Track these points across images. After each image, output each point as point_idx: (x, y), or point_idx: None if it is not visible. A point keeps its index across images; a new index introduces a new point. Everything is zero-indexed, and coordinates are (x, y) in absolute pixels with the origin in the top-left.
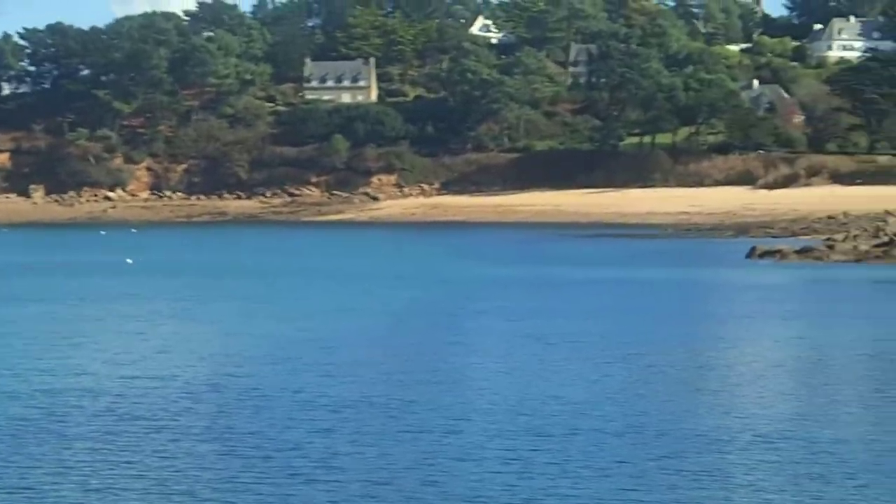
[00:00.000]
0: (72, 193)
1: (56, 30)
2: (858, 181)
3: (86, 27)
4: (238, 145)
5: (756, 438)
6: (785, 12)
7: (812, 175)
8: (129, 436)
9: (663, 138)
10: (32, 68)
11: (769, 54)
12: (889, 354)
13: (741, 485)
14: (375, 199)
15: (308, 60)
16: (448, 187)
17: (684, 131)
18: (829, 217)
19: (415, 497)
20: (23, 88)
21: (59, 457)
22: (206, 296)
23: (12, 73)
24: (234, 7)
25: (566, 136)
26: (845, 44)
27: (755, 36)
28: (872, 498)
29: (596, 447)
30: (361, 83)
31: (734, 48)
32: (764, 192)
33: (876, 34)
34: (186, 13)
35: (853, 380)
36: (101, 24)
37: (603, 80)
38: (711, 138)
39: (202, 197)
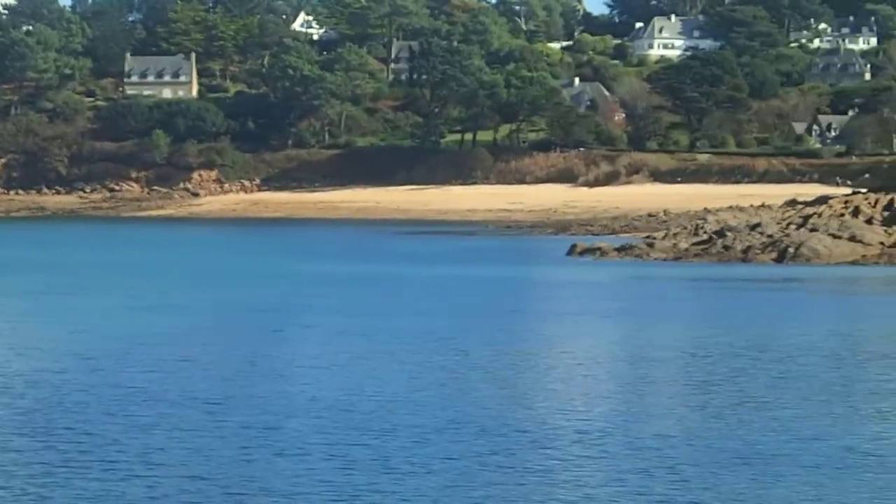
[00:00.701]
0: None
1: None
2: (679, 179)
3: None
4: (57, 140)
5: (578, 435)
6: (606, 10)
7: (633, 173)
8: None
9: (484, 135)
10: None
11: (590, 52)
12: (706, 351)
13: (564, 480)
14: (196, 194)
15: (128, 55)
16: (269, 183)
17: (505, 128)
18: (650, 215)
19: (234, 492)
20: None
21: None
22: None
23: None
24: (54, 1)
25: (387, 132)
26: (666, 42)
27: (577, 34)
28: (693, 492)
29: (418, 443)
30: (182, 78)
31: (556, 46)
32: (585, 189)
33: (696, 33)
34: (5, 6)
35: (672, 377)
36: None
37: (424, 76)
38: (533, 136)
39: (21, 192)
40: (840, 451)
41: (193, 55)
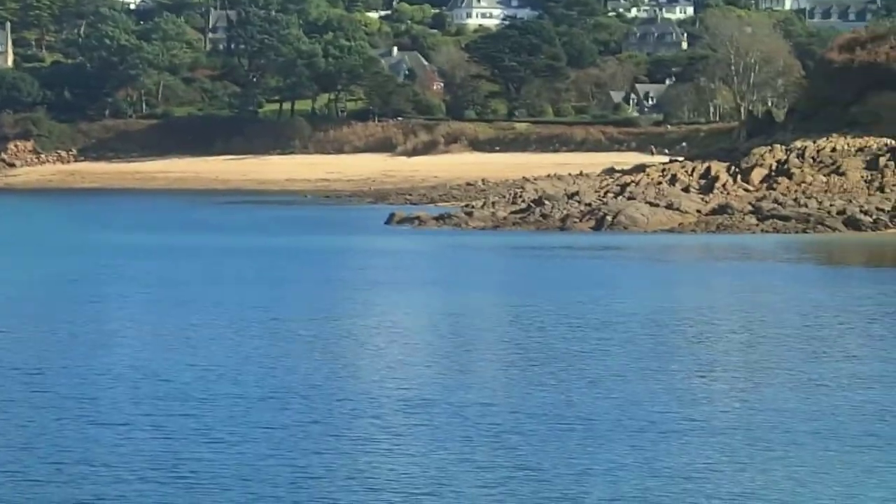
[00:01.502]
0: None
1: None
2: (497, 148)
3: None
4: None
5: (400, 403)
6: None
7: (451, 142)
8: None
9: (303, 105)
10: None
11: (409, 21)
12: (527, 319)
13: (387, 449)
14: (12, 165)
15: None
16: (86, 154)
17: (324, 98)
18: (468, 184)
19: (50, 463)
20: None
21: None
22: None
23: None
24: None
25: (205, 102)
26: (484, 11)
27: (395, 3)
28: (519, 458)
29: (238, 412)
30: None
31: (374, 15)
32: (403, 159)
33: (514, 2)
34: None
35: (493, 345)
36: None
37: (242, 46)
38: (351, 105)
39: None
40: (662, 416)
41: (8, 24)
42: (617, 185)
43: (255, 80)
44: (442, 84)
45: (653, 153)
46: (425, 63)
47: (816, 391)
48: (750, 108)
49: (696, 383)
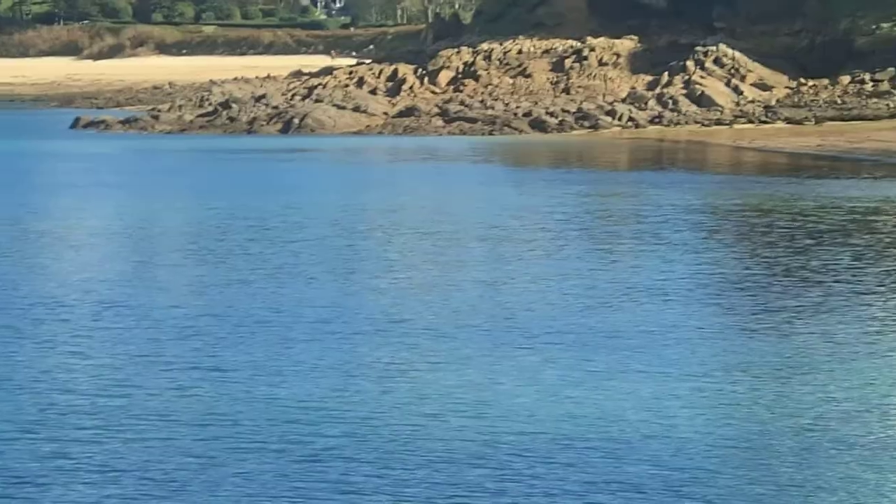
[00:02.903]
0: None
1: None
2: (184, 52)
3: None
4: None
5: (85, 306)
6: None
7: (138, 45)
8: None
9: None
10: None
11: None
12: (217, 223)
13: (72, 352)
14: None
15: None
16: None
17: (8, 1)
18: (155, 87)
19: None
20: None
21: None
22: None
23: None
24: None
25: None
26: None
27: None
28: (205, 356)
29: None
30: None
31: None
32: (89, 62)
33: None
34: None
35: (177, 248)
36: None
37: None
38: (36, 8)
39: None
40: (351, 315)
41: None
42: (304, 87)
43: None
44: None
45: (333, 56)
46: None
47: (503, 290)
48: (437, 10)
49: (383, 283)
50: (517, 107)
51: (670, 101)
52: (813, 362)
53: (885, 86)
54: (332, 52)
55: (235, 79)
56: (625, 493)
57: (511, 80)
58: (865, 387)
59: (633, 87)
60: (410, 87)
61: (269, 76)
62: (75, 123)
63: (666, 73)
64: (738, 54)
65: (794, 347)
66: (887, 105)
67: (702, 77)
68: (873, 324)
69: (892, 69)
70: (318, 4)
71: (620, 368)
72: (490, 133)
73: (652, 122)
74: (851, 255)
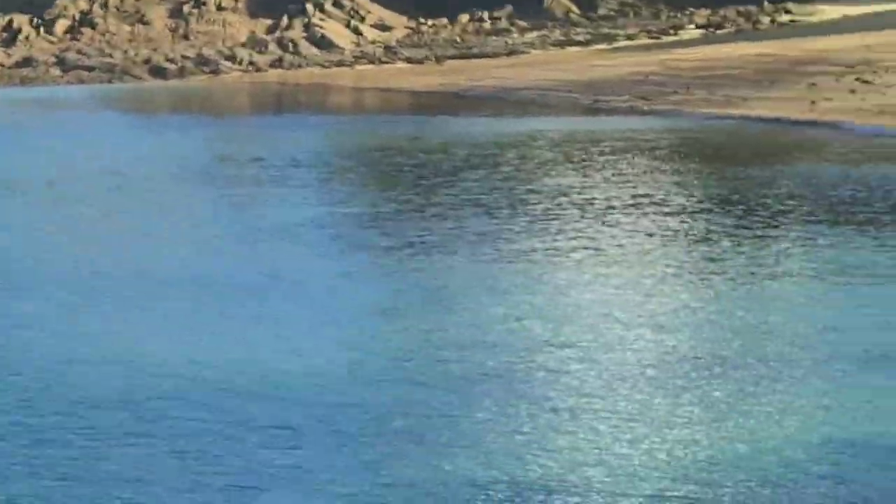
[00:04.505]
0: None
1: None
2: None
3: None
4: None
5: None
6: None
7: None
8: None
9: None
10: None
11: None
12: None
13: None
14: None
15: None
16: None
17: None
18: None
19: None
20: None
21: None
22: None
23: None
24: None
25: None
26: None
27: None
28: None
29: None
30: None
31: None
32: None
33: None
34: None
35: None
36: None
37: None
38: None
39: None
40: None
41: None
42: None
43: None
44: None
45: None
46: None
47: (127, 240)
48: None
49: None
50: (136, 54)
51: (290, 45)
52: (442, 298)
53: (503, 23)
54: None
55: None
56: (274, 432)
57: (129, 28)
58: (490, 321)
59: (253, 31)
60: (26, 37)
61: None
62: None
63: (285, 16)
64: None
65: (432, 285)
66: (506, 42)
67: (321, 20)
68: (500, 256)
69: (509, 7)
70: None
71: (249, 314)
72: (109, 81)
73: (272, 65)
74: (479, 189)
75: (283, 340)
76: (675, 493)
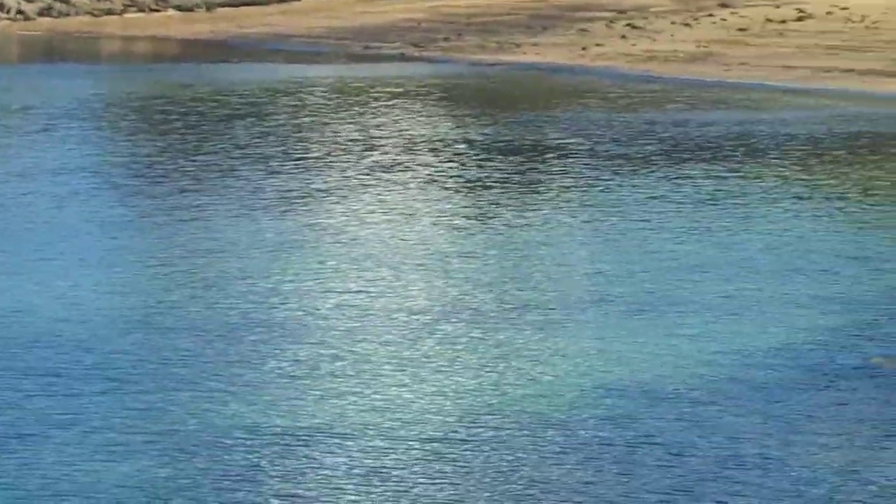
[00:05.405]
0: None
1: None
2: None
3: None
4: None
5: None
6: None
7: None
8: None
9: None
10: None
11: None
12: None
13: None
14: None
15: None
16: None
17: None
18: None
19: None
20: None
21: None
22: None
23: None
24: None
25: None
26: None
27: None
28: None
29: None
30: None
31: None
32: None
33: None
34: None
35: None
36: None
37: None
38: None
39: None
40: None
41: None
42: None
43: None
44: None
45: None
46: None
47: None
48: None
49: None
50: None
51: None
52: (212, 250)
53: None
54: None
55: None
56: (38, 378)
57: None
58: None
59: None
60: None
61: None
62: None
63: None
64: None
65: (202, 235)
66: None
67: None
68: (269, 205)
69: None
70: None
71: (30, 258)
72: None
73: (42, 14)
74: (250, 137)
75: (47, 287)
76: (454, 435)
